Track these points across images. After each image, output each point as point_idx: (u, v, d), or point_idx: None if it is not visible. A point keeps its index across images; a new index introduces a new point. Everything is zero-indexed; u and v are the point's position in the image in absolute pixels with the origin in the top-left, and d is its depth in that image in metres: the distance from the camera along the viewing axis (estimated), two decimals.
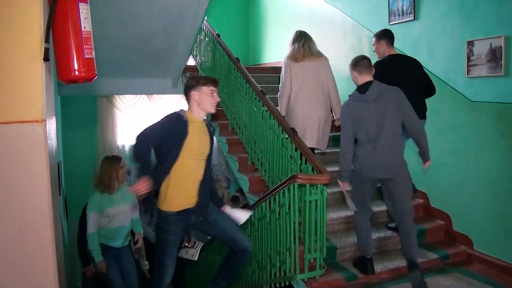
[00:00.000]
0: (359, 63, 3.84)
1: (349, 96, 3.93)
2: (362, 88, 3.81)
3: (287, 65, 4.81)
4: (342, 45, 6.57)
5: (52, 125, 2.05)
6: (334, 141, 5.71)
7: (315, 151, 4.83)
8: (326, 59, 4.89)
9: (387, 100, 3.73)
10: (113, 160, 4.36)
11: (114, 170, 4.23)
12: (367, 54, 4.39)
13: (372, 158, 3.78)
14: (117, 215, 4.28)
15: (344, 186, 4.01)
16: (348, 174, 3.93)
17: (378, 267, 4.13)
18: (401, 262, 4.20)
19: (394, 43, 4.74)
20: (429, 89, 4.55)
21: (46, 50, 1.78)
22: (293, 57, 4.80)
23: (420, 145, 3.85)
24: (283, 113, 4.82)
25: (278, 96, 4.90)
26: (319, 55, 4.87)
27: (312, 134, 4.75)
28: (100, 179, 4.25)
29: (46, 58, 1.79)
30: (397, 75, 4.23)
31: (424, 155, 3.92)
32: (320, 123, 4.76)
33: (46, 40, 1.79)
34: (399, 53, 4.74)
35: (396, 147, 3.81)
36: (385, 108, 3.71)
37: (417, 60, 4.58)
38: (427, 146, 3.88)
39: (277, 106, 4.88)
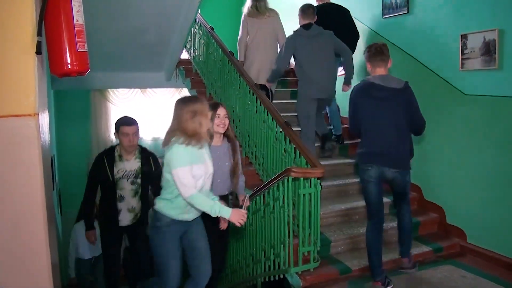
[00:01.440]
0: (306, 11, 5.15)
1: (294, 31, 5.14)
2: (307, 26, 5.06)
3: (244, 21, 5.95)
4: None
5: (45, 119, 2.04)
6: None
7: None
8: (277, 13, 5.93)
9: (324, 38, 5.03)
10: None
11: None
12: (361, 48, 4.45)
13: (312, 80, 4.98)
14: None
15: (268, 85, 5.55)
16: (276, 78, 5.57)
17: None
18: (395, 254, 4.22)
19: (389, 36, 4.75)
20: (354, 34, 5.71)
21: (39, 44, 1.77)
22: (249, 14, 5.87)
23: (347, 66, 5.20)
24: (241, 59, 6.05)
25: (237, 46, 6.11)
26: (271, 11, 5.90)
27: (265, 75, 5.66)
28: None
29: (38, 52, 1.78)
30: (332, 22, 5.35)
31: (347, 78, 5.22)
32: (272, 66, 5.61)
33: (39, 33, 1.78)
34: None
35: (331, 72, 5.11)
36: (321, 43, 5.00)
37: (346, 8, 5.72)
38: (352, 69, 5.18)
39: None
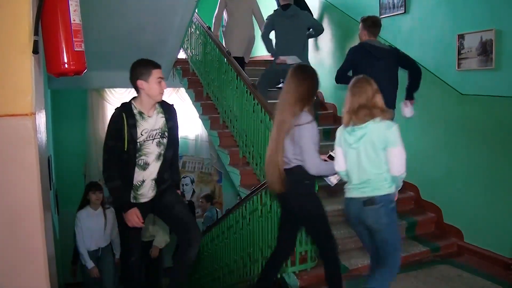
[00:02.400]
0: None
1: (274, 10, 5.79)
2: (285, 7, 5.61)
3: (221, 2, 6.48)
4: (333, 38, 6.58)
5: (42, 119, 2.03)
6: None
7: None
8: None
9: (300, 18, 5.62)
10: None
11: None
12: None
13: (283, 54, 5.50)
14: None
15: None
16: (267, 45, 5.79)
17: (369, 260, 4.14)
18: None
19: (385, 36, 4.74)
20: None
21: (35, 43, 1.76)
22: None
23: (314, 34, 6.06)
24: (216, 33, 6.51)
25: (213, 20, 6.56)
26: None
27: (243, 49, 6.48)
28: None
29: (35, 51, 1.77)
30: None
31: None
32: (251, 40, 6.61)
33: (35, 33, 1.78)
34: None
35: (301, 48, 5.62)
36: (297, 22, 5.58)
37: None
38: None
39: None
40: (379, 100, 3.06)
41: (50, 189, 3.92)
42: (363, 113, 3.02)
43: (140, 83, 3.36)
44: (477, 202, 4.47)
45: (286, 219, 3.54)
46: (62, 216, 6.93)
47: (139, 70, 3.46)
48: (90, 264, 5.05)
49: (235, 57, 5.84)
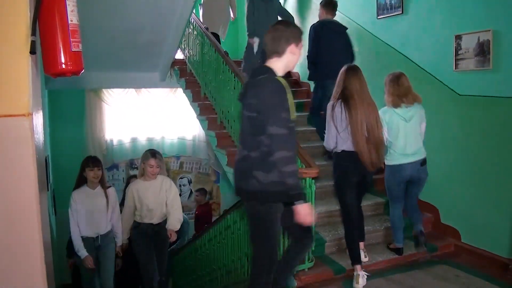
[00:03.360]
0: None
1: None
2: None
3: None
4: None
5: (39, 119, 2.03)
6: None
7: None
8: None
9: (274, 3, 6.27)
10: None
11: None
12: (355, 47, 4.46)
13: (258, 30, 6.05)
14: None
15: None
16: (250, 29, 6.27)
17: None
18: (389, 255, 4.25)
19: (383, 36, 4.76)
20: None
21: (33, 43, 1.76)
22: None
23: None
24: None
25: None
26: None
27: (220, 27, 7.17)
28: None
29: (32, 51, 1.77)
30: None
31: None
32: (227, 19, 7.35)
33: (33, 33, 1.77)
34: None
35: None
36: (271, 7, 6.20)
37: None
38: None
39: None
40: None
41: (47, 190, 3.92)
42: (411, 97, 4.10)
43: (292, 47, 2.89)
44: (474, 203, 4.47)
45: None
46: (60, 217, 6.91)
47: (296, 32, 2.95)
48: (83, 252, 4.47)
49: (212, 33, 6.66)
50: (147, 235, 4.81)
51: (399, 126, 4.09)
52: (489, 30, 4.15)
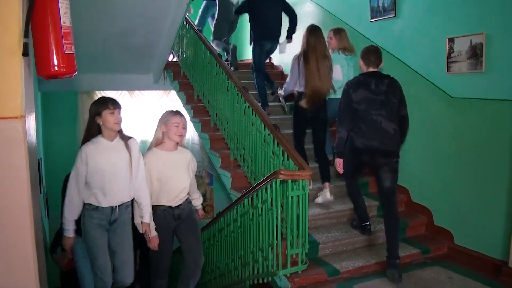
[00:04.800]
0: None
1: None
2: None
3: None
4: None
5: (31, 122, 2.02)
6: None
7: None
8: None
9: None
10: None
11: None
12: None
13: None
14: None
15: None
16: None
17: (361, 262, 4.17)
18: (383, 257, 4.24)
19: (376, 39, 4.79)
20: None
21: (25, 45, 1.76)
22: None
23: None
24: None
25: None
26: None
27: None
28: None
29: (25, 53, 1.76)
30: None
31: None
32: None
33: (25, 35, 1.77)
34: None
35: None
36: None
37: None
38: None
39: (259, 102, 5.08)
40: None
41: (40, 193, 3.88)
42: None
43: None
44: (467, 204, 4.49)
45: None
46: (53, 220, 6.88)
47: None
48: (70, 229, 3.37)
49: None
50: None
51: None
52: (482, 33, 4.17)
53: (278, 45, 6.28)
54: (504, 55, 4.04)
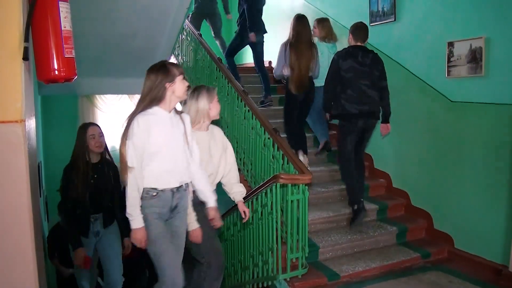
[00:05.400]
0: None
1: None
2: None
3: None
4: None
5: (31, 125, 2.02)
6: None
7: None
8: None
9: None
10: None
11: None
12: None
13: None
14: None
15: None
16: None
17: (361, 266, 4.16)
18: (383, 261, 4.24)
19: (376, 43, 4.79)
20: None
21: (26, 49, 1.76)
22: None
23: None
24: None
25: None
26: None
27: None
28: None
29: (25, 58, 1.77)
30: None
31: None
32: None
33: (26, 39, 1.77)
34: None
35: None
36: None
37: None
38: None
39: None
40: None
41: (40, 196, 3.89)
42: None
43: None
44: (467, 208, 4.48)
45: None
46: (52, 223, 6.87)
47: None
48: (140, 220, 2.81)
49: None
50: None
51: None
52: (481, 37, 4.18)
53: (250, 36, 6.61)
54: (504, 59, 4.05)
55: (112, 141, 9.30)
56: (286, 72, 5.06)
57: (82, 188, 3.79)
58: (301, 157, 5.01)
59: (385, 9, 5.37)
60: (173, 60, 7.27)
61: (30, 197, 1.80)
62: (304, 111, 5.30)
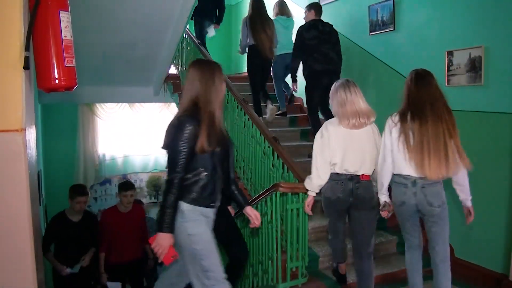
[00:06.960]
0: None
1: None
2: None
3: None
4: None
5: (32, 134, 2.03)
6: None
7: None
8: None
9: None
10: None
11: None
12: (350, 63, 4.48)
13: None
14: None
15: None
16: None
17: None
18: (384, 270, 4.23)
19: (375, 52, 4.81)
20: None
21: (26, 59, 1.77)
22: None
23: None
24: None
25: None
26: None
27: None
28: None
29: (26, 67, 1.77)
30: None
31: None
32: None
33: (26, 49, 1.78)
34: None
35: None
36: None
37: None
38: None
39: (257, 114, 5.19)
40: None
41: (40, 205, 3.89)
42: None
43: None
44: None
45: None
46: None
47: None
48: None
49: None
50: None
51: None
52: (481, 46, 4.20)
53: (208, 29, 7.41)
54: (503, 68, 4.06)
55: (112, 150, 9.35)
56: (249, 42, 6.06)
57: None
58: (270, 105, 6.09)
59: (384, 18, 5.39)
60: (173, 69, 7.29)
61: (30, 205, 1.80)
62: (265, 73, 6.27)
